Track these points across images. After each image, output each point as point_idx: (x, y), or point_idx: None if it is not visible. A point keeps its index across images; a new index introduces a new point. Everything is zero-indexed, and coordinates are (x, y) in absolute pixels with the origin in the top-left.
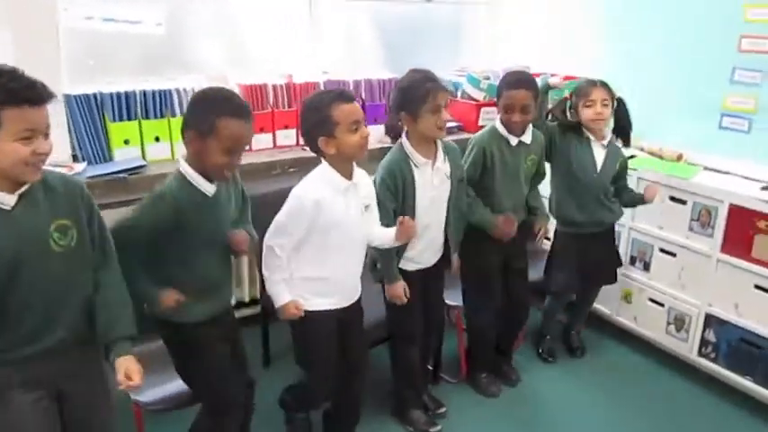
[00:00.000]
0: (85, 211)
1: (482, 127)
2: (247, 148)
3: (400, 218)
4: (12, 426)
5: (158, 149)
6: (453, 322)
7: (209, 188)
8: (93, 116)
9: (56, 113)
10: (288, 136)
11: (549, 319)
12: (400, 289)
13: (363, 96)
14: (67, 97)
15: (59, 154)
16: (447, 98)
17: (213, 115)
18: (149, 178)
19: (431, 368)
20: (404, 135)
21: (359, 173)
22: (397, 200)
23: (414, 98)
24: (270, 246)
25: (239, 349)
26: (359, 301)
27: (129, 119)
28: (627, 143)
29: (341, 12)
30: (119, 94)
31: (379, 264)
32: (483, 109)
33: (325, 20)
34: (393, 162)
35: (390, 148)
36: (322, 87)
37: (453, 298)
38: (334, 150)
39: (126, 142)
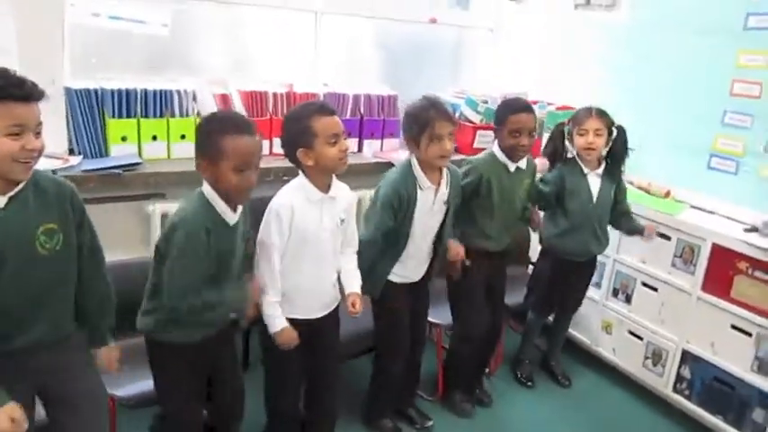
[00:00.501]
0: (75, 215)
1: (477, 149)
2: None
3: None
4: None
5: (155, 148)
6: (434, 340)
7: (231, 218)
8: (93, 111)
9: (55, 106)
10: None
11: (527, 341)
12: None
13: (362, 111)
14: (68, 90)
15: (56, 146)
16: (450, 128)
17: (217, 136)
18: (144, 176)
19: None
20: (413, 157)
21: (339, 186)
22: (396, 219)
23: (416, 125)
24: (264, 261)
25: (228, 360)
26: (335, 311)
27: (129, 116)
28: (618, 172)
29: (346, 27)
30: (119, 91)
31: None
32: (479, 132)
33: (329, 34)
34: (400, 182)
35: (384, 163)
36: (321, 98)
37: (435, 315)
38: (312, 162)
39: (123, 139)
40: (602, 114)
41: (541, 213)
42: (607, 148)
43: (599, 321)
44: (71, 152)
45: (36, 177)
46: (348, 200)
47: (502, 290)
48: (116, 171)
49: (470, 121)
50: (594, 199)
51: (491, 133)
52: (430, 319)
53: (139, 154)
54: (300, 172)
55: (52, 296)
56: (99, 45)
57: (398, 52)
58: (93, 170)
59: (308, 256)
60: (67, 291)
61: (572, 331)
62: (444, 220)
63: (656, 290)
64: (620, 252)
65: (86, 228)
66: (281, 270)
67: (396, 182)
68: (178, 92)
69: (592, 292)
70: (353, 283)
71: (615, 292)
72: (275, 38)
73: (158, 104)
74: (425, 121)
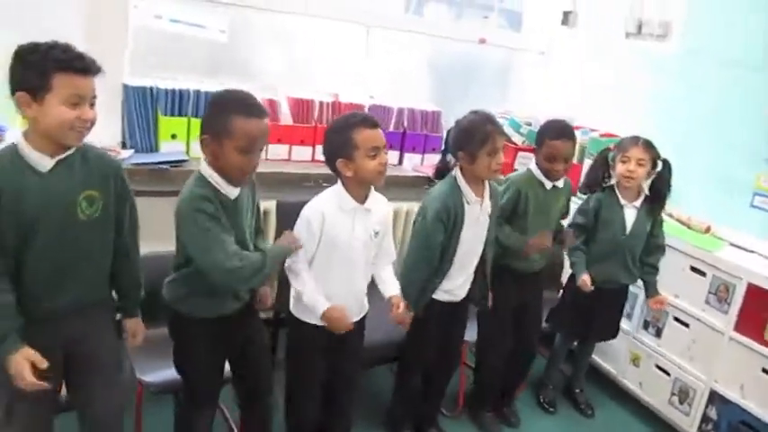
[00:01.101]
0: (117, 189)
1: (516, 171)
2: (285, 157)
3: (394, 300)
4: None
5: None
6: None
7: (231, 191)
8: (147, 108)
9: (112, 100)
10: None
11: (552, 366)
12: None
13: (405, 125)
14: (125, 87)
15: (110, 139)
16: (504, 141)
17: (227, 115)
18: (189, 173)
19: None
20: (457, 172)
21: (376, 198)
22: (445, 233)
23: (474, 139)
24: (291, 268)
25: (253, 340)
26: (361, 319)
27: (180, 115)
28: (658, 208)
29: (396, 42)
30: (173, 91)
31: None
32: (520, 153)
33: (379, 47)
34: (448, 196)
35: (423, 177)
36: (366, 110)
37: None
38: (351, 173)
39: (173, 136)
40: (648, 145)
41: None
42: (649, 181)
43: (627, 353)
44: (123, 146)
45: (85, 148)
46: (384, 213)
47: (537, 312)
48: (164, 166)
49: (512, 143)
50: (628, 230)
51: (532, 155)
52: None
53: (187, 152)
54: (339, 180)
55: (88, 260)
56: (158, 46)
57: (447, 70)
58: (143, 164)
59: (339, 263)
60: (103, 258)
61: (599, 360)
62: (488, 237)
63: (687, 326)
64: (660, 285)
65: (129, 203)
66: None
67: (444, 195)
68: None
69: (622, 322)
70: (393, 288)
71: (646, 325)
72: (326, 48)
73: (206, 105)
74: (485, 135)
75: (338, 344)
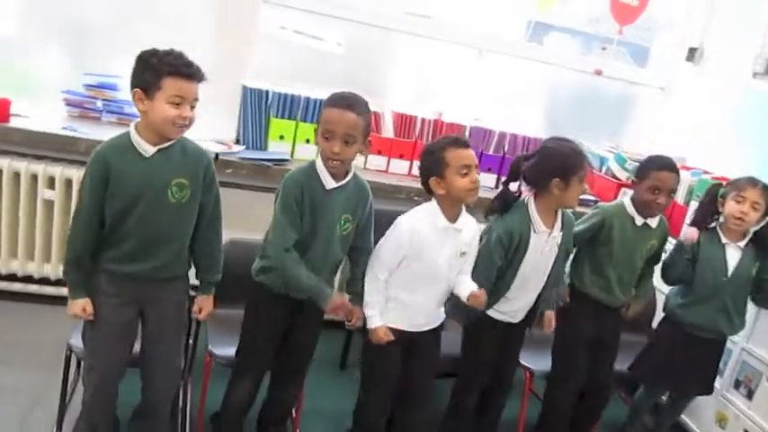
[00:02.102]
0: (205, 180)
1: None
2: (383, 168)
3: (474, 291)
4: (98, 322)
5: (307, 150)
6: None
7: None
8: (261, 109)
9: (232, 100)
10: None
11: (635, 418)
12: None
13: (506, 149)
14: (244, 88)
15: (226, 134)
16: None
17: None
18: (283, 171)
19: None
20: (530, 200)
21: (467, 220)
22: (505, 258)
23: (572, 166)
24: (371, 271)
25: (307, 325)
26: (436, 329)
27: (290, 118)
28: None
29: (509, 67)
30: (285, 96)
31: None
32: (623, 189)
33: (491, 71)
34: (515, 223)
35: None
36: (467, 131)
37: (528, 359)
38: (443, 191)
39: (281, 137)
40: (767, 189)
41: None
42: (758, 227)
43: (714, 412)
44: (237, 141)
45: (183, 141)
46: (473, 234)
47: (613, 348)
48: (267, 164)
49: (615, 177)
50: (729, 273)
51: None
52: (522, 362)
53: (292, 153)
54: (433, 198)
55: (171, 237)
56: (279, 53)
57: (560, 98)
58: (249, 159)
59: (422, 277)
60: (184, 237)
61: (683, 416)
62: (554, 266)
63: None
64: (750, 341)
65: (213, 193)
66: (394, 282)
67: (511, 222)
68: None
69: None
70: (471, 285)
71: (737, 384)
72: (436, 68)
73: (316, 111)
74: (577, 165)
75: (414, 348)
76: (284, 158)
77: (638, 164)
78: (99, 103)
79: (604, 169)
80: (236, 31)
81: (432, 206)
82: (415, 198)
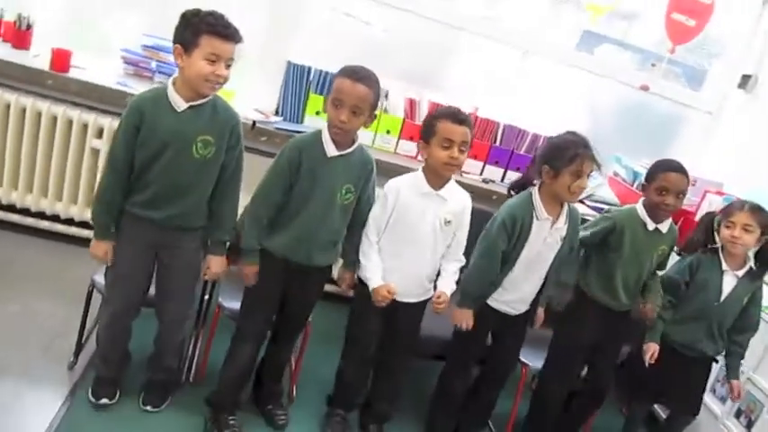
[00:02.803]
0: (231, 140)
1: None
2: (413, 154)
3: (441, 294)
4: (118, 261)
5: None
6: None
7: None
8: (301, 84)
9: (276, 73)
10: None
11: (629, 428)
12: (465, 317)
13: (537, 151)
14: (288, 63)
15: (267, 104)
16: (592, 168)
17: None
18: None
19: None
20: (535, 187)
21: (454, 189)
22: (509, 244)
23: (563, 156)
24: (365, 236)
25: (306, 284)
26: (422, 303)
27: (328, 95)
28: (759, 278)
29: (554, 71)
30: (326, 73)
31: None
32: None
33: (535, 73)
34: (518, 207)
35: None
36: (500, 127)
37: (528, 356)
38: (425, 157)
39: (317, 113)
40: (756, 210)
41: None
42: (755, 249)
43: None
44: (276, 113)
45: (215, 100)
46: (461, 204)
47: (613, 354)
48: (294, 134)
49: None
50: (722, 299)
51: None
52: (522, 358)
53: None
54: (421, 166)
55: (192, 190)
56: (327, 33)
57: (604, 109)
58: (283, 130)
59: (407, 243)
60: (203, 192)
61: None
62: (556, 260)
63: None
64: (757, 371)
65: (237, 154)
66: (381, 248)
67: (514, 206)
68: None
69: (714, 404)
70: (446, 284)
71: (738, 413)
72: (480, 63)
73: None
74: (575, 155)
75: (394, 320)
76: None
77: None
78: (153, 64)
79: (636, 184)
80: (288, 7)
81: (418, 173)
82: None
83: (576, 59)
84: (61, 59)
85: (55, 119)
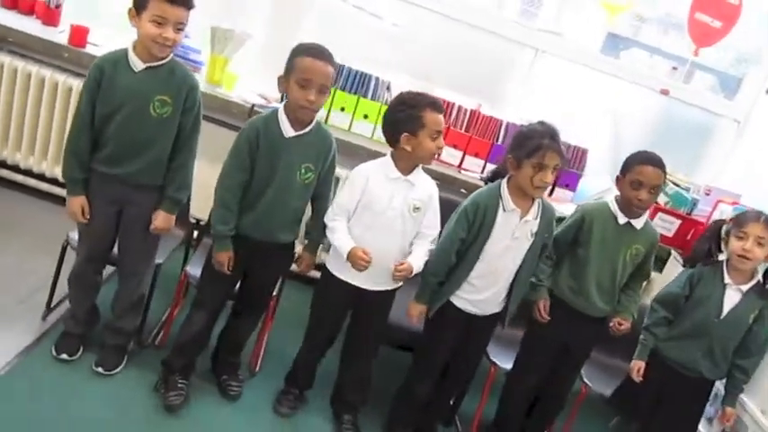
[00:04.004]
0: (187, 101)
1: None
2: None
3: (406, 263)
4: (91, 214)
5: (340, 118)
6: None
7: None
8: None
9: (282, 63)
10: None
11: None
12: (418, 310)
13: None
14: None
15: (271, 92)
16: (557, 161)
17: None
18: None
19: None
20: (506, 178)
21: (421, 176)
22: (469, 233)
23: (525, 146)
24: (330, 216)
25: (267, 264)
26: (388, 293)
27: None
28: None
29: (572, 73)
30: None
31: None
32: (660, 214)
33: (547, 73)
34: (483, 196)
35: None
36: (503, 126)
37: (500, 358)
38: (410, 148)
39: None
40: None
41: None
42: (765, 266)
43: None
44: (281, 100)
45: (173, 64)
46: (428, 190)
47: (578, 360)
48: None
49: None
50: (723, 315)
51: (672, 218)
52: (493, 359)
53: (327, 119)
54: (390, 152)
55: (150, 147)
56: (335, 25)
57: (628, 115)
58: None
59: (374, 228)
60: (161, 150)
61: None
62: (527, 258)
63: None
64: (746, 393)
65: (193, 117)
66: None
67: (479, 195)
68: (376, 78)
69: (702, 425)
70: (414, 258)
71: None
72: (490, 61)
73: (356, 84)
74: (538, 147)
75: (362, 307)
76: None
77: (680, 190)
78: None
79: None
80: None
81: (386, 159)
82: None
83: (598, 62)
84: (79, 35)
85: (70, 90)
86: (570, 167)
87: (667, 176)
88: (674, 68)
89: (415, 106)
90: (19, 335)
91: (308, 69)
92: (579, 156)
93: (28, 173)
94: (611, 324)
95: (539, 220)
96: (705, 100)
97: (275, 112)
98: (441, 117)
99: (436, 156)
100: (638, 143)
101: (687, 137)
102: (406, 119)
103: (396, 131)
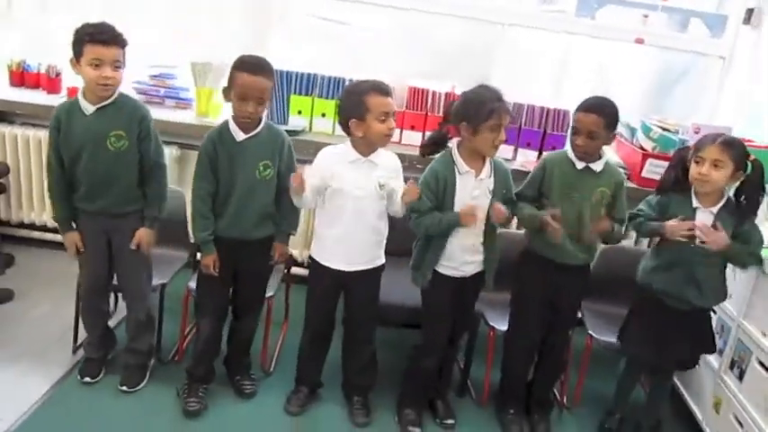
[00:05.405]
0: (141, 131)
1: (646, 179)
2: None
3: (406, 187)
4: (84, 249)
5: (323, 123)
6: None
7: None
8: (283, 87)
9: None
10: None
11: (620, 394)
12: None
13: (523, 121)
14: None
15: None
16: (508, 119)
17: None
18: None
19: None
20: (455, 143)
21: (382, 155)
22: (437, 200)
23: (479, 113)
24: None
25: (253, 265)
26: (371, 272)
27: (306, 94)
28: (745, 216)
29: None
30: (303, 74)
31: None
32: (650, 160)
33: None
34: (438, 165)
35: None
36: None
37: (497, 321)
38: (361, 133)
39: (299, 112)
40: (728, 145)
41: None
42: (734, 186)
43: (711, 395)
44: (270, 117)
45: (121, 99)
46: (392, 166)
47: (568, 312)
48: None
49: (642, 148)
50: (697, 240)
51: (664, 163)
52: (491, 323)
53: (310, 127)
54: (349, 138)
55: (117, 179)
56: (308, 36)
57: (614, 71)
58: None
59: (346, 212)
60: (127, 179)
61: (689, 400)
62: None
63: None
64: (746, 316)
65: (149, 142)
66: (324, 219)
67: (434, 165)
68: (351, 81)
69: (713, 357)
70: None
71: (732, 364)
72: (458, 43)
73: (332, 89)
74: (491, 111)
75: (349, 291)
76: (292, 129)
77: (668, 134)
78: (162, 91)
79: (633, 140)
80: (262, 16)
81: (346, 145)
82: (418, 166)
83: (552, 24)
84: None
85: None
86: (556, 130)
87: (659, 122)
88: (645, 16)
89: (358, 92)
90: (53, 369)
91: (246, 85)
92: (560, 117)
93: (56, 230)
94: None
95: (492, 177)
96: (688, 42)
97: (226, 121)
98: (386, 99)
99: (387, 137)
100: (627, 98)
101: (677, 83)
102: (352, 105)
103: (345, 119)
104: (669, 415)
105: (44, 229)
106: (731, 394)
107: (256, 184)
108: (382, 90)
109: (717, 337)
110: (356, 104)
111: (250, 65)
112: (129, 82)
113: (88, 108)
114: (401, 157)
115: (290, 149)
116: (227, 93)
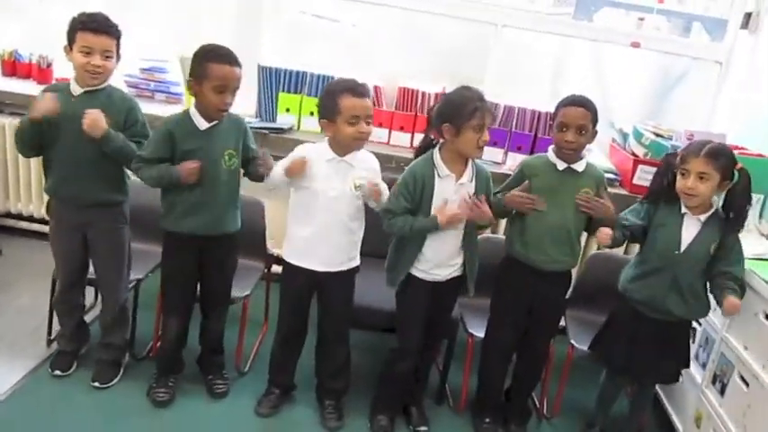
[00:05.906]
0: (127, 120)
1: (637, 186)
2: (385, 141)
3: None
4: (54, 239)
5: (311, 122)
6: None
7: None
8: (272, 85)
9: (251, 77)
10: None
11: (600, 406)
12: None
13: (514, 124)
14: (259, 67)
15: (246, 108)
16: (491, 119)
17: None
18: (282, 140)
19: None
20: (437, 147)
21: (362, 156)
22: (413, 201)
23: (461, 113)
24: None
25: (217, 259)
26: (345, 274)
27: (295, 92)
28: (734, 227)
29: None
30: (292, 72)
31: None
32: (641, 167)
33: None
34: (418, 166)
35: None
36: None
37: (476, 328)
38: (330, 134)
39: (287, 110)
40: (713, 156)
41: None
42: (721, 195)
43: (693, 409)
44: (258, 115)
45: (110, 89)
46: (370, 168)
47: (550, 320)
48: (264, 131)
49: (634, 154)
50: (682, 247)
51: (652, 168)
52: (470, 330)
53: (298, 125)
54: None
55: (95, 166)
56: (299, 34)
57: (611, 76)
58: (256, 128)
59: (317, 209)
60: (108, 169)
61: (673, 415)
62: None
63: (747, 385)
64: (730, 329)
65: (135, 129)
66: (296, 218)
67: (414, 166)
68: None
69: (695, 370)
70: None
71: (714, 379)
72: (452, 44)
73: (322, 87)
74: (473, 111)
75: (322, 292)
76: (279, 127)
77: (659, 140)
78: (152, 85)
79: (626, 144)
80: (252, 15)
81: (324, 143)
82: (404, 166)
83: (551, 26)
84: None
85: None
86: (547, 134)
87: (653, 128)
88: (641, 20)
89: (332, 93)
90: (25, 360)
91: (224, 77)
92: (538, 119)
93: (43, 221)
94: (597, 234)
95: (474, 182)
96: (684, 46)
97: (186, 112)
98: (360, 101)
99: (356, 140)
100: (624, 103)
101: (674, 88)
102: (325, 106)
103: (320, 119)
104: (653, 427)
105: (31, 219)
106: (712, 409)
107: (221, 175)
108: (357, 92)
109: (701, 350)
110: (329, 105)
111: (224, 56)
112: (121, 75)
113: (76, 89)
114: (389, 158)
115: (248, 133)
116: (194, 85)
